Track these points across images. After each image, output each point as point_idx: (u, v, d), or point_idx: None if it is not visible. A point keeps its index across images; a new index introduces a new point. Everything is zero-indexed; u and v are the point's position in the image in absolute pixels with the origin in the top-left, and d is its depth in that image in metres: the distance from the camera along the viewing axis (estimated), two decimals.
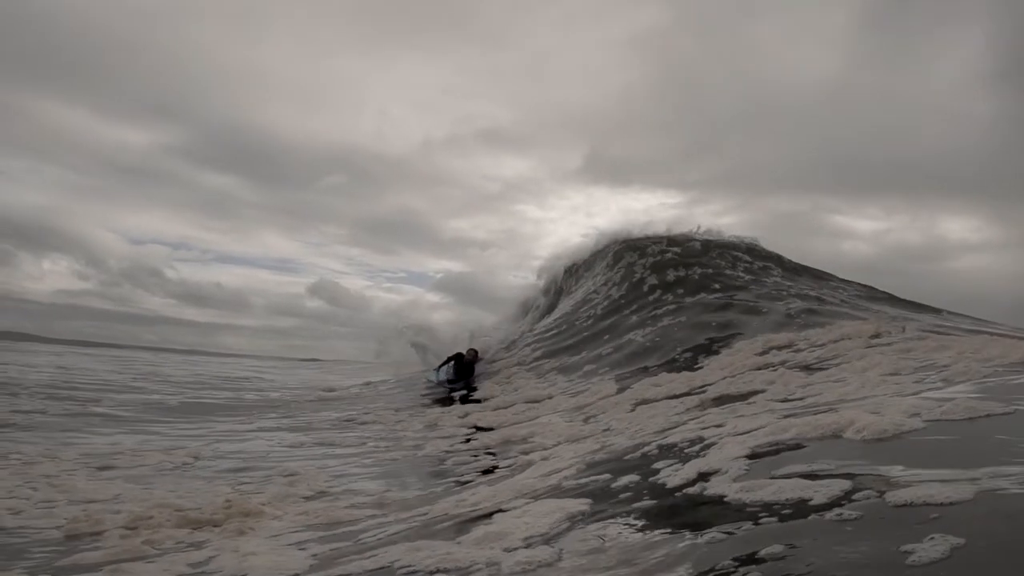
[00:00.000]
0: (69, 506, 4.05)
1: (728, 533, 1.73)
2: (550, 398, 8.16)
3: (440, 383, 10.82)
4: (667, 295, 11.56)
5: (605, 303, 12.57)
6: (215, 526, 3.29)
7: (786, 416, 3.24)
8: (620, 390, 7.48)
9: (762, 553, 1.52)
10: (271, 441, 7.14)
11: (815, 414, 2.99)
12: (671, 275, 12.55)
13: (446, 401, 9.63)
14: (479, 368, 11.11)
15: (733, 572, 1.46)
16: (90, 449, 6.37)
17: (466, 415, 7.99)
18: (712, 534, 1.75)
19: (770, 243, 14.50)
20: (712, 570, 1.52)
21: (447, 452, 5.70)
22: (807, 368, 6.20)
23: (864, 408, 2.86)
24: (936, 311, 11.07)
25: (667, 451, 3.08)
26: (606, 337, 10.75)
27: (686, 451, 2.99)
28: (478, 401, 8.78)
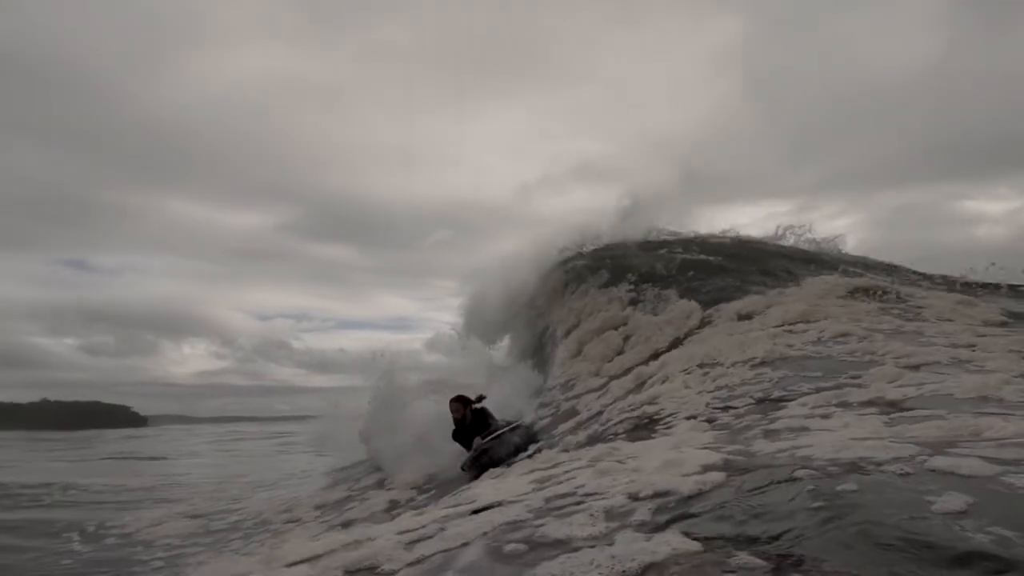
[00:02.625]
0: None
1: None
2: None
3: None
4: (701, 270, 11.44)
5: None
6: None
7: (892, 418, 3.47)
8: (704, 322, 8.34)
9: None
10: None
11: (941, 418, 3.15)
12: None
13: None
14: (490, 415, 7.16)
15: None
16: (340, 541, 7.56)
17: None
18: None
19: (892, 240, 12.89)
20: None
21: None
22: (901, 330, 6.47)
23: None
24: None
25: (773, 435, 3.73)
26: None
27: (788, 436, 3.62)
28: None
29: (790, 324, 7.59)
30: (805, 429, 3.65)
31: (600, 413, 6.88)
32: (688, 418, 4.96)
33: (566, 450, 5.46)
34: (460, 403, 7.15)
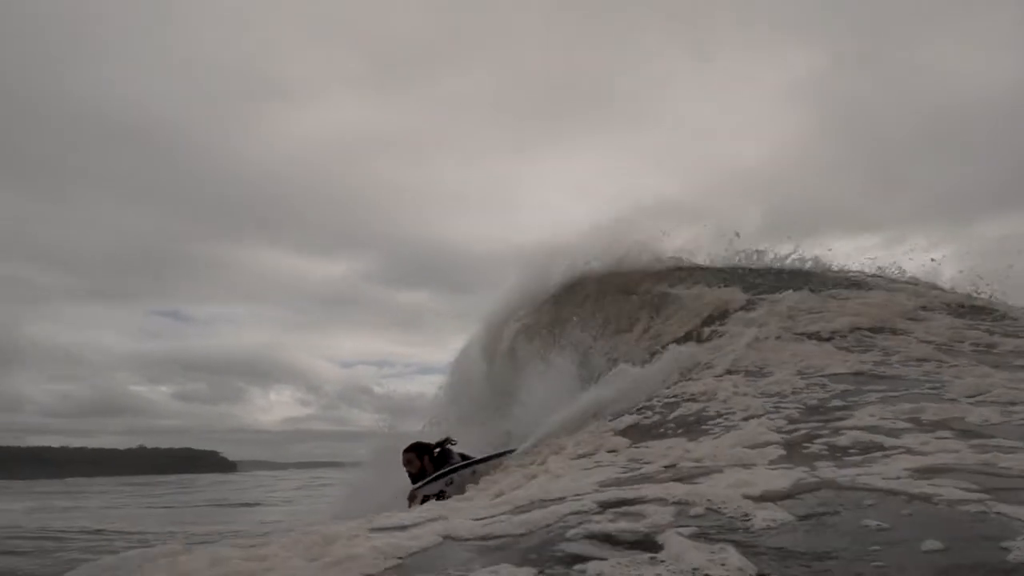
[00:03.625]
0: None
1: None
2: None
3: None
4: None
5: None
6: None
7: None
8: (749, 304, 7.97)
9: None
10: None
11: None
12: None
13: None
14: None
15: None
16: None
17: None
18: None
19: (993, 272, 9.56)
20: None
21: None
22: (991, 348, 5.99)
23: None
24: None
25: (840, 456, 3.72)
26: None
27: (857, 457, 3.63)
28: None
29: (851, 331, 7.22)
30: (875, 450, 3.62)
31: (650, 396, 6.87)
32: (747, 419, 4.97)
33: (621, 434, 5.54)
34: (413, 453, 5.67)
